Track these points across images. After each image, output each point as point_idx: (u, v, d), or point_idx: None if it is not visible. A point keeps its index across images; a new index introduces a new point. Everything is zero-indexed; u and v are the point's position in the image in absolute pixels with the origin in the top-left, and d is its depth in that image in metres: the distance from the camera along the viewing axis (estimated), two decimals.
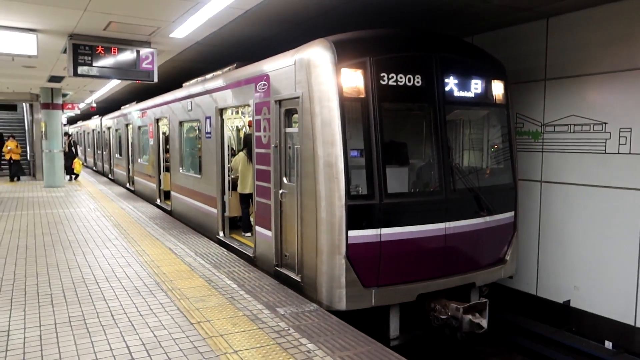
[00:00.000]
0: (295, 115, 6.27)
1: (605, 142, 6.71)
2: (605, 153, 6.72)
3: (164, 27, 8.00)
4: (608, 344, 6.81)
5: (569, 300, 7.30)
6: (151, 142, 13.81)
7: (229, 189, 8.87)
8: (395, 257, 5.80)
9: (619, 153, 6.56)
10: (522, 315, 7.87)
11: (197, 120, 10.07)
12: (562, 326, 7.32)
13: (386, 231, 5.71)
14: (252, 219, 8.24)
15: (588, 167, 6.95)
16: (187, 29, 8.05)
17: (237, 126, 11.52)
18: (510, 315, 7.90)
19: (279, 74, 6.53)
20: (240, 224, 9.35)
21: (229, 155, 9.02)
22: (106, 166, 23.10)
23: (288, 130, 6.49)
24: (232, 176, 9.12)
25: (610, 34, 6.61)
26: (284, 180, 6.54)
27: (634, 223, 6.47)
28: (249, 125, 9.75)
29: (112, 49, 8.65)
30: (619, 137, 6.53)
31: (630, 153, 6.43)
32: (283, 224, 6.61)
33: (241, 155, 8.99)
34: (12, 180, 20.10)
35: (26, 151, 22.95)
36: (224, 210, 8.88)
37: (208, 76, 9.70)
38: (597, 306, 6.98)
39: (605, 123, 6.70)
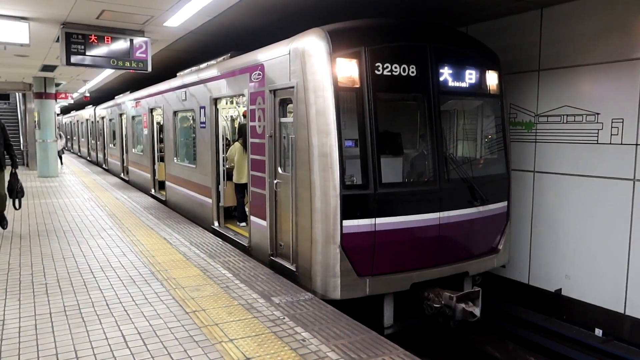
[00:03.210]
0: (290, 105, 6.26)
1: (598, 133, 6.75)
2: (597, 143, 6.76)
3: (157, 16, 7.95)
4: (598, 332, 6.91)
5: (560, 289, 7.38)
6: (145, 132, 13.76)
7: (223, 179, 8.88)
8: (390, 246, 5.85)
9: (610, 143, 6.61)
10: (514, 303, 7.95)
11: (191, 110, 10.03)
12: (553, 314, 7.41)
13: (380, 221, 5.74)
14: (247, 209, 8.26)
15: (580, 158, 7.00)
16: (181, 18, 8.00)
17: (231, 116, 11.49)
18: (503, 303, 7.99)
19: (273, 64, 6.51)
20: (235, 213, 9.36)
21: (223, 145, 9.00)
22: (100, 156, 22.99)
23: (283, 120, 6.48)
24: (227, 166, 9.12)
25: (604, 25, 6.63)
26: (279, 170, 6.55)
27: (624, 213, 6.53)
28: (244, 116, 9.73)
29: (106, 37, 8.58)
30: (611, 127, 6.57)
31: (621, 143, 6.48)
32: (278, 214, 6.63)
33: (237, 145, 8.98)
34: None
35: (19, 141, 22.78)
36: (218, 200, 8.89)
37: (202, 66, 9.65)
38: (588, 294, 7.06)
39: (598, 114, 6.74)
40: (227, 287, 5.71)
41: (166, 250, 7.32)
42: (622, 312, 6.65)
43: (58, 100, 21.70)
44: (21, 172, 18.76)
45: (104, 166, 21.81)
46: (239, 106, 10.35)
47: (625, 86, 6.41)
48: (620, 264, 6.63)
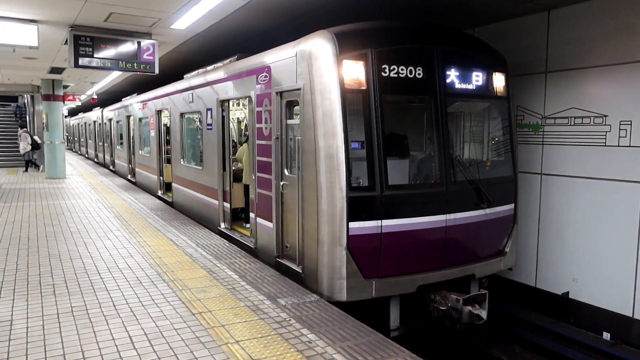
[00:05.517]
0: (297, 107, 6.27)
1: (606, 135, 6.71)
2: (605, 145, 6.73)
3: (165, 19, 7.99)
4: (606, 335, 6.86)
5: (567, 292, 7.34)
6: (152, 133, 13.82)
7: (230, 181, 8.88)
8: (396, 248, 5.84)
9: (619, 145, 6.57)
10: (521, 306, 7.91)
11: (198, 112, 10.07)
12: (561, 317, 7.37)
13: (387, 223, 5.73)
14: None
15: (588, 160, 6.96)
16: (188, 20, 8.03)
17: (237, 118, 11.52)
18: (509, 306, 7.95)
19: (280, 66, 6.53)
20: (242, 215, 9.37)
21: (230, 147, 9.03)
22: (107, 158, 23.12)
23: (289, 121, 6.49)
24: (235, 168, 9.13)
25: (611, 27, 6.59)
26: (285, 171, 6.56)
27: (632, 215, 6.49)
28: None
29: (113, 40, 8.63)
30: (619, 129, 6.54)
31: (630, 145, 6.44)
32: (284, 216, 6.63)
33: (246, 146, 8.99)
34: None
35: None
36: (225, 202, 8.90)
37: (209, 68, 9.68)
38: (596, 298, 7.02)
39: (606, 116, 6.71)
40: (233, 288, 5.72)
41: (172, 252, 7.34)
42: (631, 315, 6.59)
43: (66, 102, 21.85)
44: (29, 174, 19.01)
45: (111, 168, 21.92)
46: (245, 108, 10.37)
47: (633, 88, 6.37)
48: (628, 267, 6.58)
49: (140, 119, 15.54)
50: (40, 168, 20.11)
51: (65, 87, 18.88)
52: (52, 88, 17.54)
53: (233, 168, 9.06)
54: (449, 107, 6.36)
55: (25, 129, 20.85)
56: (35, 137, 20.34)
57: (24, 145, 19.73)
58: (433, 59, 6.10)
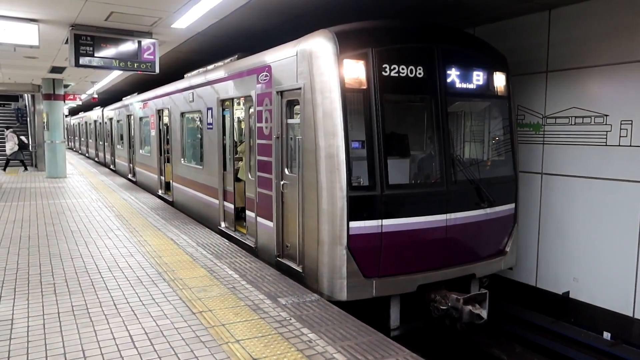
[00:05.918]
0: (297, 107, 6.27)
1: (606, 135, 6.71)
2: (606, 145, 6.72)
3: (165, 18, 7.99)
4: (606, 335, 6.86)
5: (568, 292, 7.34)
6: (153, 133, 13.82)
7: (233, 179, 8.86)
8: (396, 248, 5.84)
9: (619, 145, 6.56)
10: (522, 306, 7.91)
11: (198, 111, 10.08)
12: (561, 317, 7.37)
13: (387, 222, 5.73)
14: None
15: (589, 159, 6.96)
16: (188, 20, 8.03)
17: (238, 117, 11.50)
18: (510, 305, 7.95)
19: (280, 65, 6.53)
20: (243, 215, 9.36)
21: (231, 146, 9.03)
22: (108, 157, 23.12)
23: (290, 121, 6.50)
24: (236, 167, 9.12)
25: (612, 26, 6.59)
26: (286, 171, 6.56)
27: (633, 215, 6.48)
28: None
29: (114, 39, 8.63)
30: (620, 129, 6.53)
31: (630, 145, 6.43)
32: (284, 215, 6.64)
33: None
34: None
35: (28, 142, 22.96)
36: (225, 201, 8.90)
37: (210, 67, 9.68)
38: (596, 297, 7.01)
39: (607, 115, 6.70)
40: (234, 287, 5.72)
41: (173, 251, 7.35)
42: (631, 315, 6.59)
43: (66, 101, 21.85)
44: (30, 173, 19.03)
45: (111, 167, 21.93)
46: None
47: (634, 87, 6.36)
48: (629, 267, 6.58)
49: (140, 118, 15.55)
50: (12, 170, 20.30)
51: (65, 86, 18.88)
52: (52, 87, 17.55)
53: (236, 167, 9.05)
54: (450, 106, 6.36)
55: (11, 129, 20.95)
56: (22, 137, 20.46)
57: (11, 146, 20.00)
58: (434, 59, 6.10)
